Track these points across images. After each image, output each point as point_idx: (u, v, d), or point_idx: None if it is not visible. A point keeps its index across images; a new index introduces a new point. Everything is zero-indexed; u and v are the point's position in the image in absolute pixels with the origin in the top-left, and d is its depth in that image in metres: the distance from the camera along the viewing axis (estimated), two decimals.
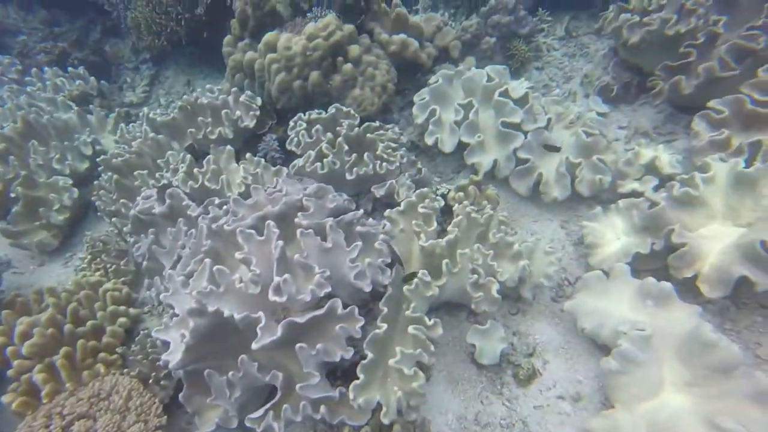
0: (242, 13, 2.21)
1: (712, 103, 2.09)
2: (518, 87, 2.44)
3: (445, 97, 2.46)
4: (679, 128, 2.43)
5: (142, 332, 1.82)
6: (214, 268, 1.43)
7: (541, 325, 1.88)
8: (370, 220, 1.73)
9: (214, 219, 1.73)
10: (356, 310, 1.46)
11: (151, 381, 1.67)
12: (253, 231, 1.50)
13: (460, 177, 2.45)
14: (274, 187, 1.84)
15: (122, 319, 1.88)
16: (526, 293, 1.84)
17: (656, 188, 2.07)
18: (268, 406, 1.45)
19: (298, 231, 1.46)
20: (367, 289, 1.49)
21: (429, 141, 2.32)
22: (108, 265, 2.07)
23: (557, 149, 2.20)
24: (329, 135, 2.00)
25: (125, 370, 1.75)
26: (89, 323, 1.83)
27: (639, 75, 2.55)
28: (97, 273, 2.07)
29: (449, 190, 2.10)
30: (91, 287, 1.99)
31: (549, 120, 2.25)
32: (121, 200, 2.10)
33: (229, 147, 2.13)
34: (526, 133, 2.24)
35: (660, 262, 1.84)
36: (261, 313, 1.39)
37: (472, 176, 2.09)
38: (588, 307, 1.75)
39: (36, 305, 2.02)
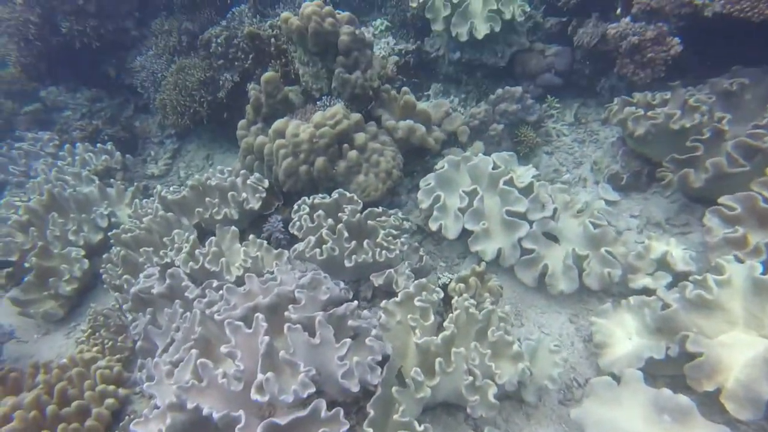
0: (256, 100, 2.35)
1: (723, 200, 2.04)
2: (524, 175, 2.45)
3: (451, 182, 2.48)
4: (693, 219, 2.36)
5: (126, 418, 1.77)
6: (198, 362, 1.40)
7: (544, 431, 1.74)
8: (365, 312, 1.69)
9: (209, 304, 1.72)
10: (341, 413, 1.38)
11: None
12: (240, 324, 1.47)
13: (466, 262, 2.41)
14: (272, 273, 1.84)
15: (110, 401, 1.83)
16: (529, 397, 1.72)
17: (670, 286, 1.98)
18: None
19: (286, 326, 1.43)
20: (355, 389, 1.42)
21: (433, 227, 2.31)
22: (106, 341, 2.06)
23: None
24: (330, 221, 2.02)
25: None
26: (74, 404, 1.79)
27: (648, 164, 2.53)
28: (95, 348, 2.05)
29: (450, 280, 2.06)
30: (84, 364, 1.97)
31: (555, 210, 2.23)
32: (125, 276, 2.14)
33: (233, 228, 2.17)
34: (532, 222, 2.22)
35: (678, 369, 1.71)
36: (241, 413, 1.33)
37: (474, 267, 2.04)
38: (596, 416, 1.61)
39: (30, 379, 2.00)
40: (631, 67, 2.57)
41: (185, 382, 1.35)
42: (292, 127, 2.23)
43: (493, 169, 2.39)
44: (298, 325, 1.45)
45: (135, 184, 2.92)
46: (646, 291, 2.00)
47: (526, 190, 2.29)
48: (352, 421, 1.64)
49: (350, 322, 1.54)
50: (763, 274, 1.64)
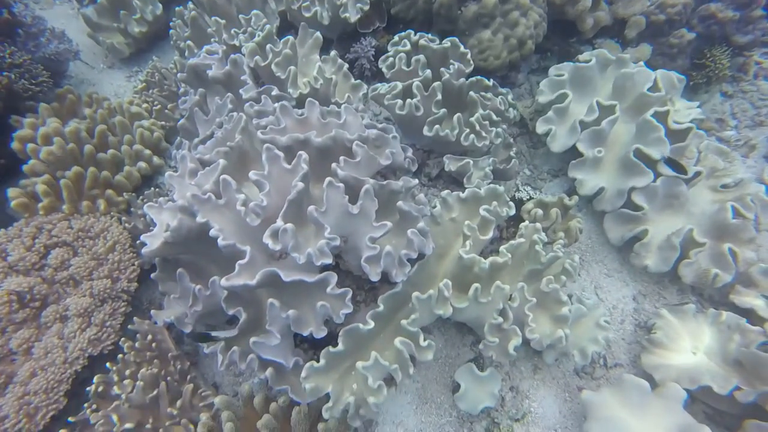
0: None
1: None
2: (683, 113, 1.87)
3: (588, 84, 1.93)
4: None
5: (153, 189, 1.72)
6: (221, 177, 1.22)
7: (546, 393, 1.60)
8: (420, 196, 1.42)
9: (260, 113, 1.48)
10: (348, 295, 1.23)
11: (138, 243, 1.58)
12: (280, 154, 1.24)
13: (555, 183, 2.02)
14: (339, 106, 1.54)
15: (142, 164, 1.77)
16: (549, 357, 1.53)
17: None
18: (222, 335, 1.33)
19: (327, 180, 1.19)
20: (375, 278, 1.24)
21: (540, 129, 1.86)
22: (155, 103, 1.93)
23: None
24: (428, 72, 1.61)
25: (124, 218, 1.68)
26: (110, 152, 1.74)
27: None
28: (144, 105, 1.94)
29: (530, 198, 1.71)
30: (130, 117, 1.88)
31: (697, 174, 1.71)
32: (188, 42, 1.89)
33: (318, 34, 1.80)
34: (659, 176, 1.74)
35: (732, 408, 1.45)
36: (248, 248, 1.19)
37: (563, 196, 1.67)
38: (608, 413, 1.42)
39: (86, 107, 1.96)
40: None
41: (203, 192, 1.20)
42: None
43: (649, 90, 1.81)
44: (341, 185, 1.21)
45: None
46: (750, 314, 1.61)
47: (676, 135, 1.74)
48: (361, 296, 1.53)
49: (399, 204, 1.29)
50: None
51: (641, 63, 1.93)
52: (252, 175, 1.23)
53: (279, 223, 1.18)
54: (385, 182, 1.30)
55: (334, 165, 1.26)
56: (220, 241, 1.17)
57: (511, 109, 1.79)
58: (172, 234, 1.21)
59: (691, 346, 1.58)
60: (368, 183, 1.23)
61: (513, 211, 1.53)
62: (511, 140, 1.84)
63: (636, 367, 1.65)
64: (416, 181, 1.40)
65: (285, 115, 1.39)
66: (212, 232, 1.18)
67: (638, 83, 1.84)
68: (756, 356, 1.39)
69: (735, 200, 1.71)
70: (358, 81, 1.78)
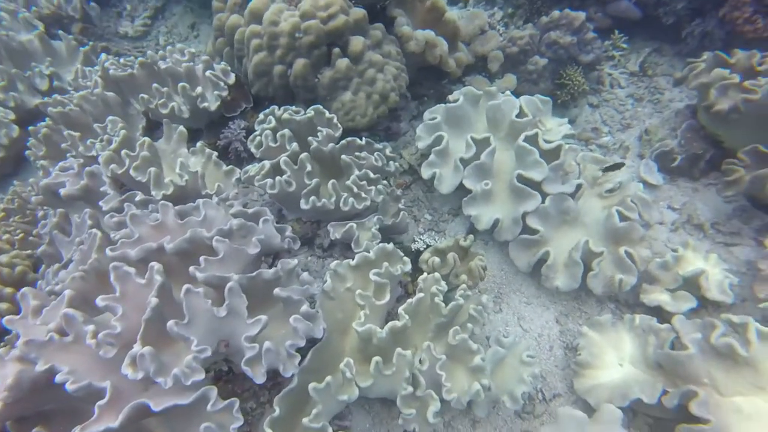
0: None
1: None
2: (554, 131, 1.95)
3: (462, 121, 1.97)
4: (747, 230, 1.90)
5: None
6: (64, 312, 1.09)
7: None
8: (305, 275, 1.34)
9: (119, 225, 1.37)
10: (235, 406, 1.10)
11: None
12: (130, 271, 1.13)
13: (457, 222, 2.01)
14: (211, 197, 1.47)
15: (3, 305, 1.58)
16: (480, 411, 1.44)
17: (691, 311, 1.60)
18: None
19: (184, 288, 1.09)
20: (259, 380, 1.12)
21: (425, 173, 1.86)
22: (16, 231, 1.77)
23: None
24: (295, 145, 1.58)
25: None
26: None
27: (716, 148, 1.99)
28: (6, 236, 1.77)
29: (427, 246, 1.68)
30: None
31: (579, 186, 1.76)
32: (41, 162, 1.77)
33: (181, 128, 1.74)
34: (546, 196, 1.77)
35: (667, 414, 1.41)
36: (108, 384, 1.05)
37: (458, 238, 1.65)
38: None
39: None
40: (748, 10, 1.88)
41: (40, 336, 1.05)
42: (272, 11, 1.68)
43: (517, 116, 1.88)
44: (199, 289, 1.10)
45: (91, 42, 2.40)
46: (660, 311, 1.62)
47: (551, 154, 1.80)
48: (264, 395, 1.39)
49: (277, 291, 1.20)
50: None
51: (508, 93, 2.01)
52: (99, 301, 1.10)
53: (136, 347, 1.05)
54: (254, 273, 1.21)
55: (191, 268, 1.16)
56: (69, 386, 1.01)
57: (391, 162, 1.79)
58: (10, 393, 1.04)
59: (617, 358, 1.55)
60: (232, 280, 1.14)
61: (408, 267, 1.48)
62: (399, 192, 1.83)
63: (574, 392, 1.59)
64: (295, 261, 1.32)
65: (137, 224, 1.28)
66: (58, 378, 1.03)
67: (506, 112, 1.91)
68: (669, 356, 1.37)
69: (619, 204, 1.76)
70: (230, 166, 1.72)
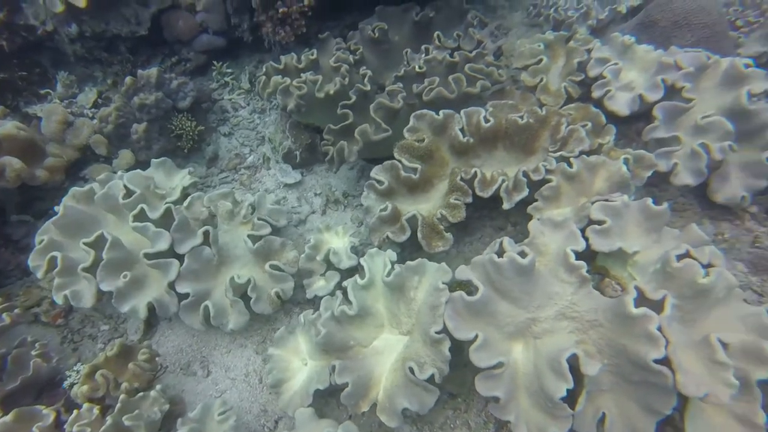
0: None
1: (374, 172, 1.89)
2: (177, 189, 1.99)
3: (85, 224, 1.88)
4: (364, 181, 2.23)
5: None
6: None
7: None
8: None
9: None
10: None
11: None
12: None
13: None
14: None
15: None
16: None
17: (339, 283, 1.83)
18: None
19: None
20: None
21: (58, 297, 1.73)
22: None
23: None
24: None
25: None
26: None
27: (319, 133, 2.28)
28: None
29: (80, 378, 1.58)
30: None
31: (207, 232, 1.83)
32: None
33: None
34: (184, 256, 1.80)
35: None
36: None
37: (106, 351, 1.58)
38: None
39: None
40: (269, 25, 2.16)
41: None
42: None
43: (125, 197, 1.85)
44: None
45: None
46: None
47: (168, 215, 1.83)
48: None
49: None
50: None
51: (119, 173, 1.96)
52: None
53: None
54: None
55: None
56: None
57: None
58: None
59: (300, 361, 1.69)
60: None
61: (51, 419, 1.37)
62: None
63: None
64: None
65: None
66: None
67: (115, 197, 1.87)
68: (322, 338, 1.52)
69: (252, 227, 1.90)
70: None
